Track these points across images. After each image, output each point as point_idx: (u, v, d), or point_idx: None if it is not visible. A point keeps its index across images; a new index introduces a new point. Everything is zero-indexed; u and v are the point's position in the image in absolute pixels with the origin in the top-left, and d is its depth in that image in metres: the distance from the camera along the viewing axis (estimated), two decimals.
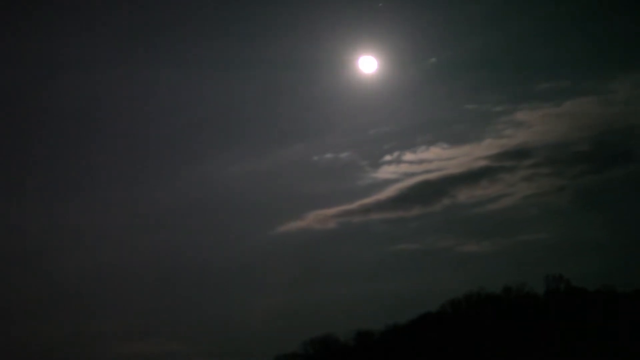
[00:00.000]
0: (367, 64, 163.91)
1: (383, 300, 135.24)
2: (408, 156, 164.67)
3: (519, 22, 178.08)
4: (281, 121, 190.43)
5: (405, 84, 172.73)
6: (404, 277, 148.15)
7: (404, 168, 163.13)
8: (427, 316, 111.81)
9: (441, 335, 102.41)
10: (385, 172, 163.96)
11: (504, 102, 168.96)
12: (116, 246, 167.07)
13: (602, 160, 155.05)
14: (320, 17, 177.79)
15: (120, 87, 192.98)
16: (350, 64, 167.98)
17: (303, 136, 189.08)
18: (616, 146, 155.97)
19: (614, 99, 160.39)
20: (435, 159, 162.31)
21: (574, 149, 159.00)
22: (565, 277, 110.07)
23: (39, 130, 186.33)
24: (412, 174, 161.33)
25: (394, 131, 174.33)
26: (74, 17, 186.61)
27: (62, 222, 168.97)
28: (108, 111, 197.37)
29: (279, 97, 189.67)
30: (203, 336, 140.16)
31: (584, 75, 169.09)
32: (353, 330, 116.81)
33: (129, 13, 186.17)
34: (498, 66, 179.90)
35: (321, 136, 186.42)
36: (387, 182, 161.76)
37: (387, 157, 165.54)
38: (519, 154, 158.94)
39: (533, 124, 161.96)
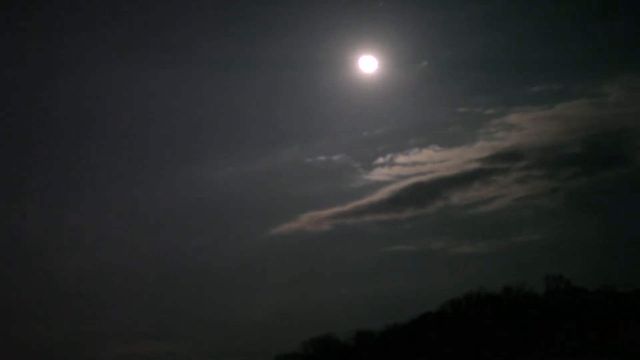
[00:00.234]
0: (361, 66, 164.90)
1: (380, 300, 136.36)
2: (401, 158, 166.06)
3: (511, 25, 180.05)
4: (276, 123, 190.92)
5: (398, 86, 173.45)
6: (400, 278, 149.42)
7: (396, 170, 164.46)
8: (427, 316, 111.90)
9: (441, 335, 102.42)
10: (378, 174, 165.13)
11: (495, 104, 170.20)
12: (114, 246, 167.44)
13: (594, 162, 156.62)
14: (318, 17, 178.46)
15: (120, 87, 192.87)
16: (346, 65, 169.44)
17: (297, 138, 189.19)
18: (608, 149, 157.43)
19: (605, 102, 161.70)
20: (427, 161, 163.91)
21: (566, 151, 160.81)
22: (565, 277, 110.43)
23: (39, 130, 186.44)
24: (405, 176, 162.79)
25: (387, 133, 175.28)
26: (74, 17, 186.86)
27: (62, 222, 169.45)
28: (108, 111, 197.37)
29: (274, 99, 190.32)
30: (203, 336, 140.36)
31: (575, 78, 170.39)
32: (353, 330, 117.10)
33: (128, 13, 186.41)
34: (490, 69, 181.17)
35: (314, 138, 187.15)
36: (380, 184, 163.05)
37: (380, 160, 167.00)
38: (511, 156, 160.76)
39: (525, 127, 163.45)
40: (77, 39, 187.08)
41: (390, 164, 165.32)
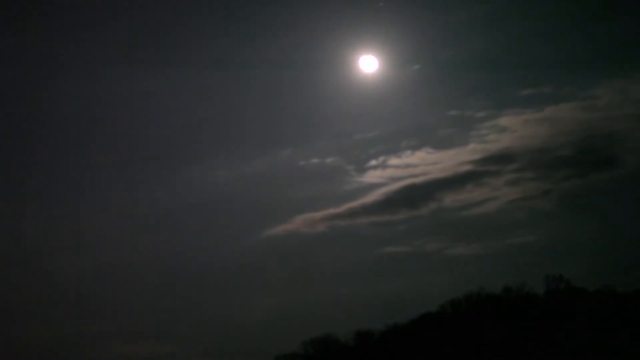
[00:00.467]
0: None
1: (378, 301, 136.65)
2: (393, 161, 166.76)
3: (501, 29, 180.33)
4: (273, 125, 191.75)
5: (390, 89, 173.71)
6: (396, 279, 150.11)
7: (389, 172, 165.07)
8: (427, 316, 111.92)
9: (441, 335, 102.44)
10: (372, 176, 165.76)
11: (486, 107, 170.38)
12: (113, 247, 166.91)
13: (586, 164, 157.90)
14: (318, 17, 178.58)
15: (120, 87, 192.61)
16: (341, 66, 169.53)
17: (290, 140, 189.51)
18: (599, 151, 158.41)
19: (595, 105, 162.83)
20: (420, 163, 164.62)
21: (557, 153, 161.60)
22: (565, 277, 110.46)
23: (39, 130, 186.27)
24: (398, 178, 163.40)
25: (379, 136, 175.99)
26: (74, 17, 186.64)
27: (62, 222, 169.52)
28: (107, 111, 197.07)
29: (272, 100, 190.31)
30: (203, 336, 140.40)
31: (565, 81, 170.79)
32: (353, 330, 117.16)
33: (129, 13, 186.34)
34: (481, 72, 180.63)
35: (307, 141, 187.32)
36: (373, 186, 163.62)
37: (373, 162, 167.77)
38: (503, 158, 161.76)
39: (516, 129, 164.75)
40: (77, 39, 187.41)
41: (383, 166, 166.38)
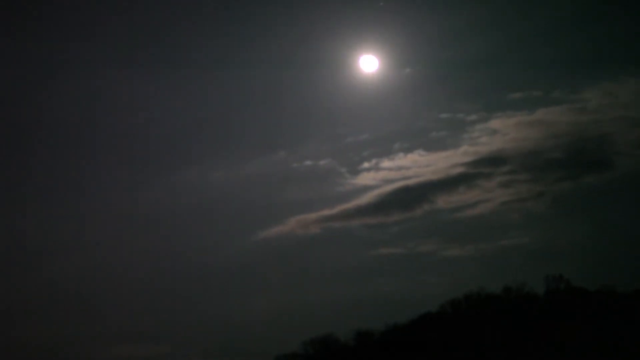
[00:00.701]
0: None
1: (374, 302, 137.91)
2: (386, 163, 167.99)
3: (494, 33, 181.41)
4: (269, 126, 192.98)
5: (380, 92, 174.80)
6: (391, 280, 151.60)
7: (382, 175, 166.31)
8: (427, 316, 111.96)
9: (441, 335, 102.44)
10: (365, 178, 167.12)
11: (477, 110, 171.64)
12: (111, 247, 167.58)
13: (578, 167, 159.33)
14: (319, 17, 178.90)
15: (120, 88, 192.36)
16: (335, 69, 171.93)
17: (285, 143, 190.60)
18: (590, 154, 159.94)
19: (585, 108, 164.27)
20: (413, 165, 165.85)
21: (549, 156, 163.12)
22: (565, 277, 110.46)
23: (39, 130, 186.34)
24: (391, 181, 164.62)
25: (371, 139, 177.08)
26: (74, 17, 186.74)
27: (62, 223, 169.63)
28: (107, 111, 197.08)
29: (269, 100, 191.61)
30: (202, 337, 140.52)
31: (555, 84, 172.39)
32: (353, 330, 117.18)
33: (129, 13, 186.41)
34: (470, 75, 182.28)
35: (300, 143, 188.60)
36: (366, 188, 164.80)
37: (366, 164, 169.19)
38: (495, 160, 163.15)
39: (508, 132, 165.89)
40: (77, 39, 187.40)
41: (376, 168, 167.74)
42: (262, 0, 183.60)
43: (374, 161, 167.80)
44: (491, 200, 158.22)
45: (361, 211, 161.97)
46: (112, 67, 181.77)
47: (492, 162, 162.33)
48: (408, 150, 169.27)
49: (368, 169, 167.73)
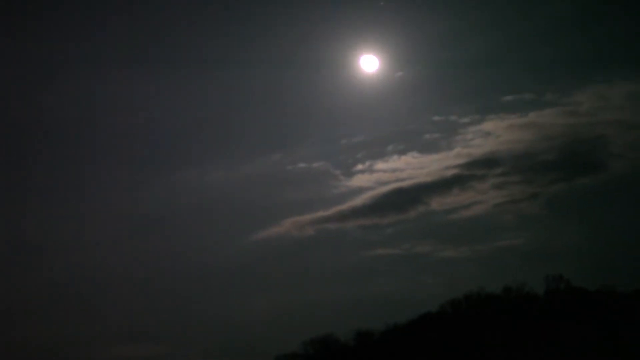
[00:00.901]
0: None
1: (375, 302, 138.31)
2: (380, 165, 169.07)
3: (486, 36, 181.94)
4: (266, 128, 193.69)
5: (373, 95, 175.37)
6: (387, 281, 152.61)
7: (376, 177, 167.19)
8: (427, 316, 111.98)
9: (441, 335, 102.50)
10: (359, 180, 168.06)
11: (469, 113, 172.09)
12: (112, 248, 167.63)
13: (571, 169, 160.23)
14: (319, 17, 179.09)
15: (119, 88, 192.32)
16: (330, 71, 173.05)
17: (280, 144, 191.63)
18: (583, 156, 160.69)
19: (577, 111, 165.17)
20: (407, 167, 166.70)
21: (542, 158, 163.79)
22: (565, 277, 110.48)
23: (39, 130, 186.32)
24: (385, 182, 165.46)
25: (365, 141, 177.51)
26: (75, 17, 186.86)
27: (62, 223, 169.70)
28: (107, 111, 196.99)
29: (267, 101, 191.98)
30: (203, 337, 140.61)
31: (547, 87, 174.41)
32: (353, 330, 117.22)
33: (128, 13, 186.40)
34: (461, 79, 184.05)
35: (294, 146, 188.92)
36: (361, 190, 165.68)
37: (360, 166, 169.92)
38: (488, 162, 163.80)
39: (500, 134, 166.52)
40: (77, 39, 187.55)
41: (370, 170, 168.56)
42: (262, 0, 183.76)
43: (367, 163, 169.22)
44: (485, 202, 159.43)
45: (356, 213, 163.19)
46: (112, 67, 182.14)
47: (485, 164, 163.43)
48: (402, 152, 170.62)
49: (362, 171, 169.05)
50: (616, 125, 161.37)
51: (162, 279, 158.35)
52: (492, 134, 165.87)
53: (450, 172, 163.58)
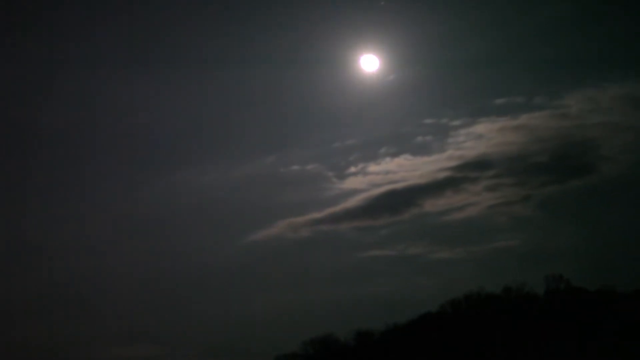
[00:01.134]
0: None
1: (375, 302, 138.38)
2: (373, 167, 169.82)
3: (479, 39, 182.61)
4: (258, 129, 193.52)
5: (365, 97, 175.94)
6: (382, 282, 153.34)
7: (369, 179, 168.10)
8: (427, 316, 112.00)
9: (441, 335, 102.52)
10: (352, 182, 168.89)
11: (461, 116, 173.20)
12: (111, 248, 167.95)
13: (563, 171, 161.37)
14: (319, 17, 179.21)
15: (119, 88, 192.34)
16: (326, 72, 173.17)
17: (274, 147, 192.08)
18: (575, 158, 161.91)
19: (568, 113, 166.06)
20: (399, 170, 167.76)
21: (534, 160, 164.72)
22: (565, 277, 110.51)
23: (39, 130, 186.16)
24: (378, 185, 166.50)
25: (358, 143, 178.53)
26: (74, 17, 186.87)
27: (61, 223, 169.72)
28: (107, 111, 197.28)
29: (265, 102, 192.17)
30: (203, 337, 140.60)
31: (537, 90, 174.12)
32: (353, 330, 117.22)
33: (128, 13, 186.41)
34: (455, 82, 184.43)
35: (287, 148, 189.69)
36: (354, 192, 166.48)
37: (352, 169, 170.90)
38: (480, 164, 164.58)
39: (492, 137, 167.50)
40: (77, 39, 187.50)
41: (363, 173, 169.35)
42: (262, 0, 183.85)
43: (360, 165, 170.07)
44: (478, 203, 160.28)
45: (350, 214, 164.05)
46: (112, 68, 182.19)
47: (477, 166, 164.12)
48: (394, 154, 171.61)
49: (355, 174, 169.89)
50: (607, 128, 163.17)
51: (161, 279, 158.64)
52: (484, 136, 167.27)
53: (443, 175, 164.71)
